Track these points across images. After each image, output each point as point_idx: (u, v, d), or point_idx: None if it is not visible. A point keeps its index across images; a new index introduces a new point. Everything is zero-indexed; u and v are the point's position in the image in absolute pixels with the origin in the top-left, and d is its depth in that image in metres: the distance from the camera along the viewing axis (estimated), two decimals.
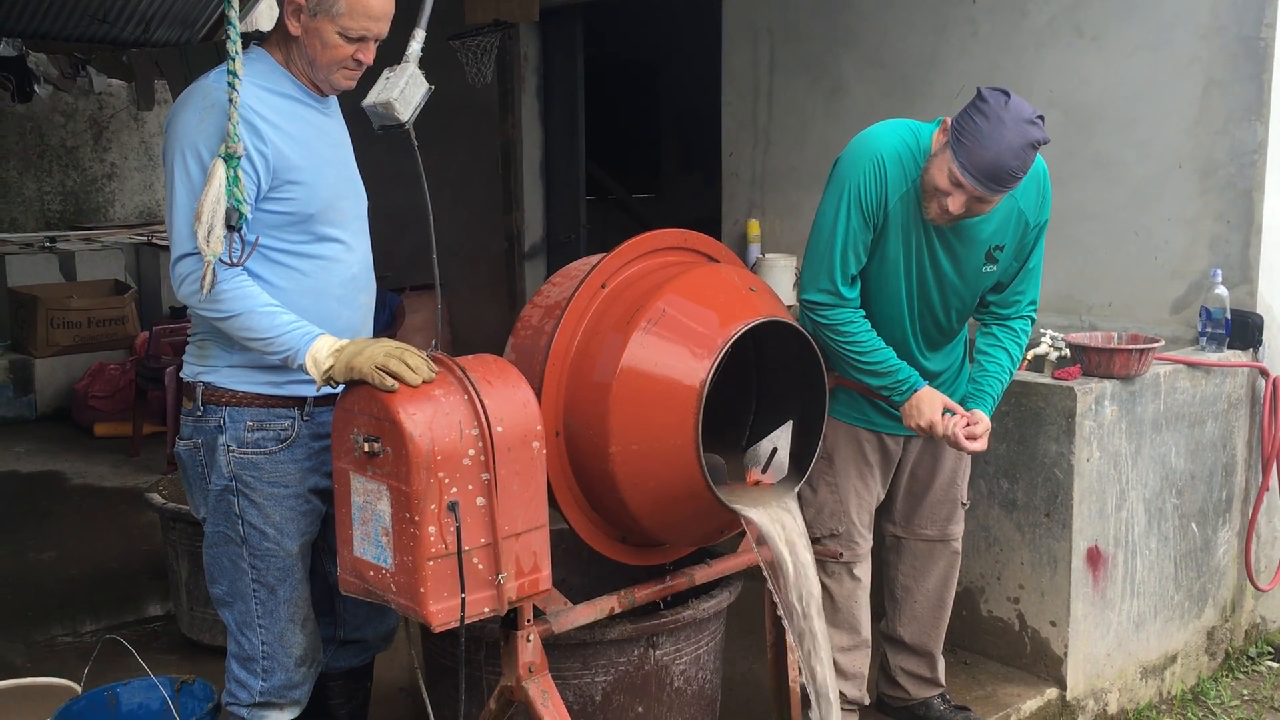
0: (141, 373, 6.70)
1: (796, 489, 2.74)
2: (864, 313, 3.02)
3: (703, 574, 2.93)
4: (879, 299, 3.03)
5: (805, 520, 3.22)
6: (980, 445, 3.00)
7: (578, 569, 3.41)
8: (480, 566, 2.31)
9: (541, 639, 2.59)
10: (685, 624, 2.93)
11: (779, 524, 2.64)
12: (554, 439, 2.56)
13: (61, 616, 4.44)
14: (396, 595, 2.30)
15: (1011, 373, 3.16)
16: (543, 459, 2.38)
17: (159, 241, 9.10)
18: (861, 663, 3.32)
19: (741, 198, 5.72)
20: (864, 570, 3.27)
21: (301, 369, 2.34)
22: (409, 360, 2.26)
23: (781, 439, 2.72)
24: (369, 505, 2.30)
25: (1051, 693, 3.68)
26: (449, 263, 7.93)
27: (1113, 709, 3.87)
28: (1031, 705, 3.63)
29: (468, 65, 6.60)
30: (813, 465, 2.79)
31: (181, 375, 2.52)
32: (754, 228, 5.57)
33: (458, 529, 2.24)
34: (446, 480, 2.24)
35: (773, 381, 2.93)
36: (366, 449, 2.26)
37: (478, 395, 2.29)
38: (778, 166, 5.54)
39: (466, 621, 2.29)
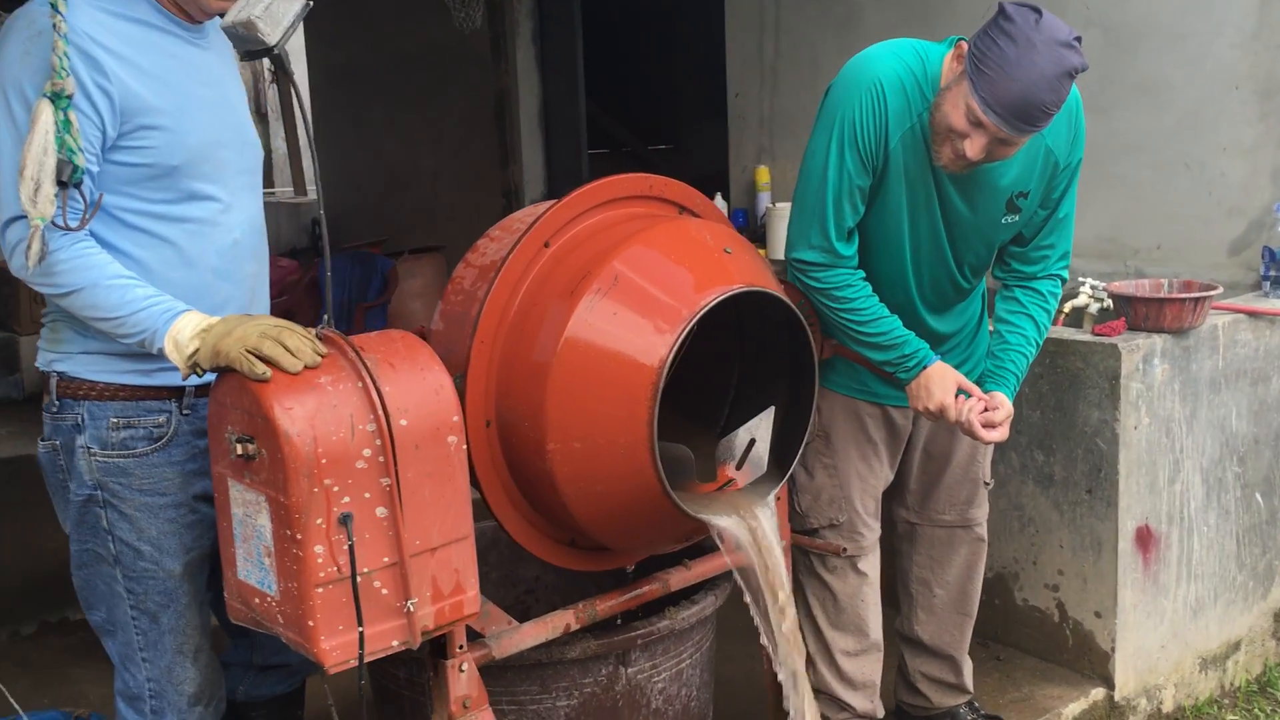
0: None
1: (775, 490, 2.29)
2: (864, 274, 2.56)
3: (679, 578, 2.50)
4: (880, 256, 2.58)
5: (800, 509, 2.78)
6: (999, 435, 2.55)
7: (552, 565, 3.00)
8: (384, 591, 1.89)
9: (481, 665, 2.18)
10: (662, 636, 2.50)
11: (750, 529, 2.20)
12: (483, 430, 2.13)
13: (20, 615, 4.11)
14: (284, 628, 1.89)
15: (1038, 344, 2.68)
16: (463, 456, 1.96)
17: None
18: (871, 669, 2.89)
19: (749, 143, 5.25)
20: (871, 564, 2.83)
21: (162, 354, 1.93)
22: (287, 341, 1.84)
23: (761, 429, 2.28)
24: (249, 519, 1.89)
25: (1097, 693, 3.24)
26: (448, 223, 7.58)
27: (1168, 707, 3.42)
28: (1075, 709, 3.18)
29: (455, 9, 6.14)
30: (800, 452, 2.34)
31: (36, 364, 2.11)
32: (763, 175, 5.10)
33: (350, 547, 1.82)
34: (335, 488, 1.82)
35: (757, 357, 2.49)
36: (240, 451, 1.84)
37: (374, 382, 1.87)
38: (787, 107, 5.05)
39: (369, 658, 1.88)
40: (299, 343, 1.84)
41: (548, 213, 2.15)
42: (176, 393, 2.10)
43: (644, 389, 2.01)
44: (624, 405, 2.02)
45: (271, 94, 11.47)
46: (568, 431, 2.05)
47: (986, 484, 2.93)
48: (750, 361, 2.50)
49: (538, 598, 3.14)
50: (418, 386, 1.92)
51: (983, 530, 2.96)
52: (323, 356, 1.87)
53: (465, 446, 1.96)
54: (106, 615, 2.15)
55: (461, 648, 2.13)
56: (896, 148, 2.44)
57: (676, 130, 9.83)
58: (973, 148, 2.32)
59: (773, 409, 2.29)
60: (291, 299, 6.90)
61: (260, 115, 11.89)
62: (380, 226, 7.67)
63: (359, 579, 1.85)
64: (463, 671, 2.13)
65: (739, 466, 2.29)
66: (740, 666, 3.27)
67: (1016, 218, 2.54)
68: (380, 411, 1.85)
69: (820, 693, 2.84)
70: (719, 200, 5.05)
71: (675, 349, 2.02)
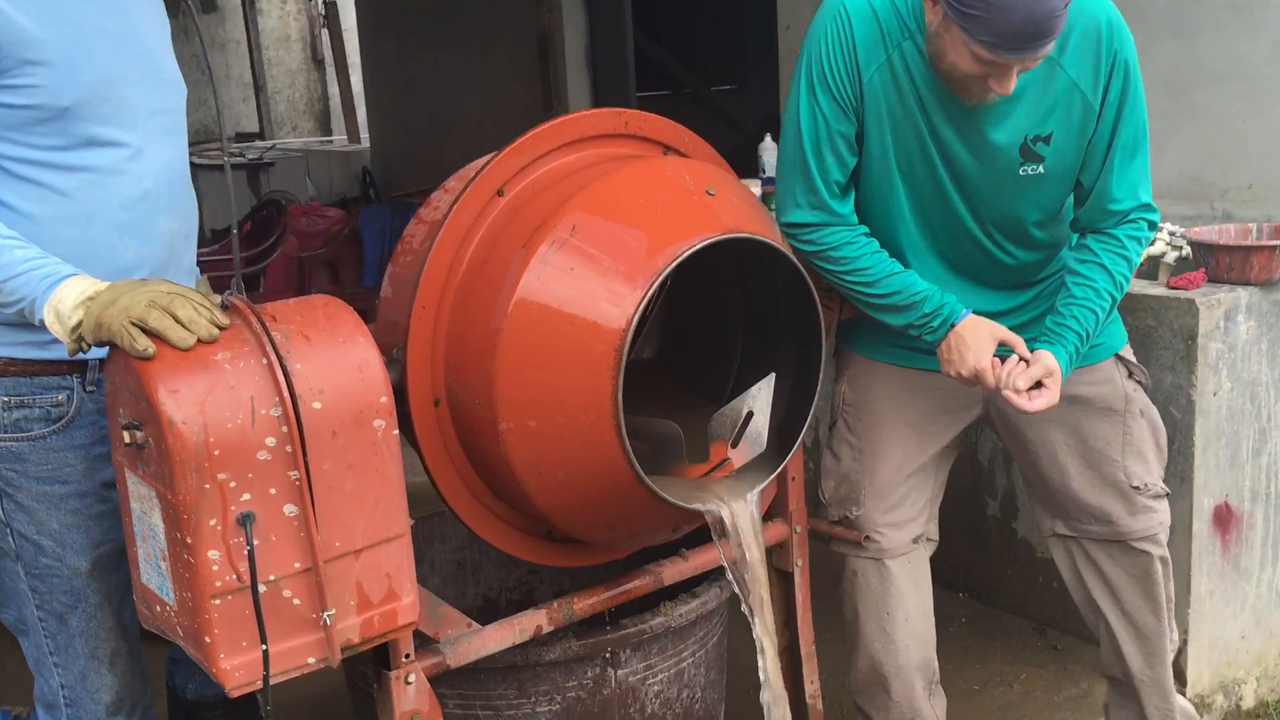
0: None
1: (773, 475, 1.98)
2: (866, 230, 2.21)
3: (674, 571, 2.21)
4: (880, 220, 2.22)
5: (824, 497, 2.46)
6: (1044, 402, 2.13)
7: None
8: (296, 602, 1.63)
9: (433, 676, 1.92)
10: (656, 635, 2.23)
11: (740, 515, 1.90)
12: (431, 410, 1.85)
13: None
14: (185, 641, 1.64)
15: (1113, 298, 2.22)
16: (394, 443, 1.68)
17: None
18: (876, 701, 2.50)
19: None
20: (904, 568, 2.41)
21: (44, 325, 1.67)
22: (178, 311, 1.57)
23: (760, 400, 1.97)
24: (145, 516, 1.64)
25: None
26: None
27: (1248, 703, 3.06)
28: None
29: None
30: (828, 429, 2.03)
31: None
32: None
33: (250, 553, 1.56)
34: (232, 484, 1.56)
35: (765, 319, 2.17)
36: (128, 439, 1.59)
37: (279, 358, 1.59)
38: None
39: (277, 679, 1.63)
40: (192, 313, 1.57)
41: (499, 156, 1.85)
42: (78, 367, 1.85)
43: (606, 357, 1.71)
44: (584, 377, 1.72)
45: (325, 39, 11.28)
46: (522, 409, 1.76)
47: (1138, 487, 2.39)
48: (757, 324, 2.19)
49: (541, 579, 2.88)
50: (337, 363, 1.64)
51: (1155, 544, 2.42)
52: (222, 329, 1.60)
53: (397, 432, 1.68)
54: (17, 614, 1.93)
55: (408, 657, 1.87)
56: (873, 83, 2.09)
57: (740, 69, 9.41)
58: (1001, 84, 1.97)
59: (773, 376, 1.97)
60: (333, 250, 6.70)
61: (317, 62, 11.72)
62: (428, 173, 7.42)
63: (264, 588, 1.59)
64: (409, 684, 1.87)
65: (734, 444, 1.98)
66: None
67: (1040, 167, 2.14)
68: (286, 393, 1.58)
69: None
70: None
71: (642, 309, 1.72)
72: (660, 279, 1.72)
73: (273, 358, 1.59)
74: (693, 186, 1.84)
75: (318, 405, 1.61)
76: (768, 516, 2.41)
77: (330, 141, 10.53)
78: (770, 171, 4.01)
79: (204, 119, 10.58)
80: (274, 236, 6.32)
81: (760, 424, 1.94)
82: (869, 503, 2.38)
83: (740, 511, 1.89)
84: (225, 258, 5.51)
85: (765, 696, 2.09)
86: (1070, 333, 2.19)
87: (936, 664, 2.49)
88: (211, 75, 1.74)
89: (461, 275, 1.83)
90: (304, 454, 1.58)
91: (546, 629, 2.04)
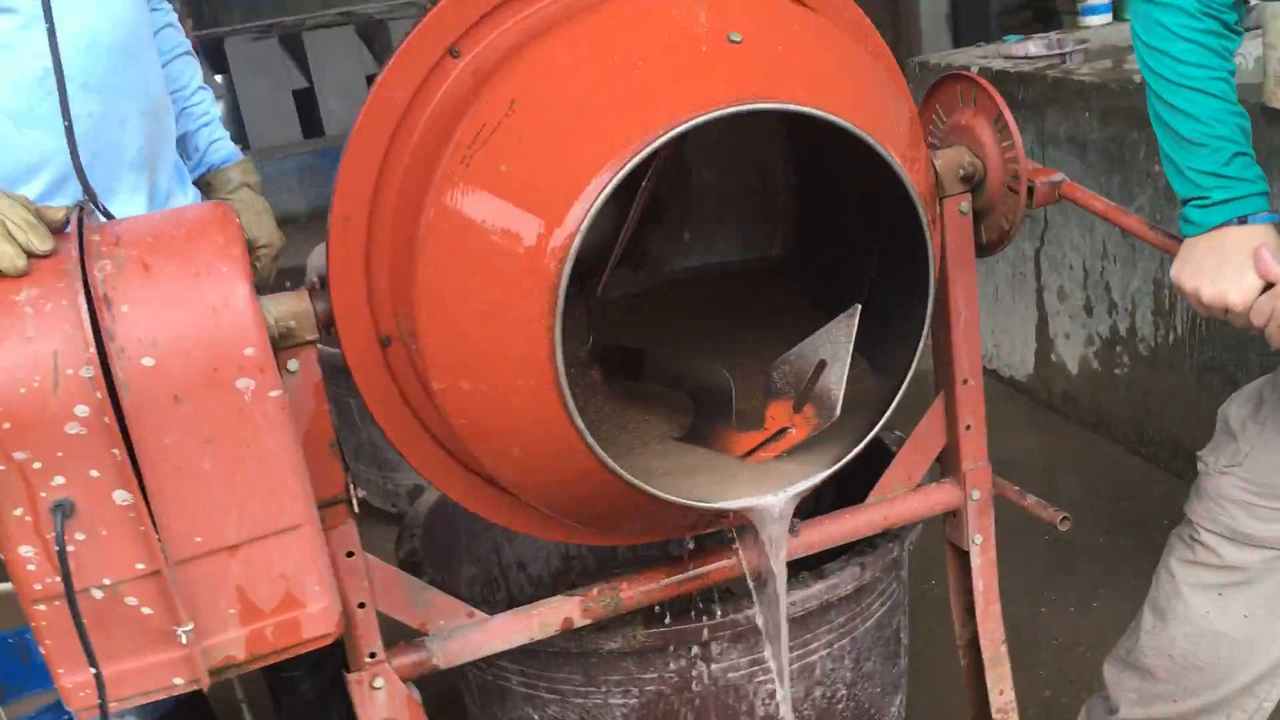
0: None
1: (847, 457, 1.35)
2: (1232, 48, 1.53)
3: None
4: None
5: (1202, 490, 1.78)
6: None
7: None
8: (146, 611, 1.26)
9: (421, 679, 1.52)
10: (753, 627, 1.70)
11: (766, 518, 1.30)
12: (375, 351, 1.39)
13: None
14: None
15: None
16: (276, 408, 1.24)
17: None
18: None
19: None
20: (1259, 594, 1.76)
21: None
22: None
23: (835, 344, 1.33)
24: None
25: None
26: None
27: None
28: None
29: None
30: (899, 393, 1.37)
31: None
32: None
33: (61, 551, 1.20)
34: (36, 464, 1.19)
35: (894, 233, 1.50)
36: None
37: (90, 300, 1.18)
38: None
39: (123, 705, 1.28)
40: None
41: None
42: None
43: (537, 299, 1.16)
44: (515, 326, 1.19)
45: None
46: (452, 366, 1.26)
47: None
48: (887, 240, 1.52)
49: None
50: (181, 302, 1.21)
51: None
52: (41, 256, 1.22)
53: (279, 394, 1.24)
54: None
55: (373, 656, 1.48)
56: None
57: None
58: None
59: (856, 309, 1.33)
60: None
61: None
62: None
63: (100, 594, 1.23)
64: (376, 689, 1.48)
65: (799, 406, 1.37)
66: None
67: None
68: (95, 348, 1.17)
69: None
70: None
71: (589, 221, 1.14)
72: (617, 179, 1.13)
73: (83, 298, 1.18)
74: (706, 30, 1.21)
75: (149, 361, 1.20)
76: (938, 475, 1.78)
77: None
78: None
79: None
80: None
81: (834, 379, 1.32)
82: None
83: (768, 512, 1.30)
84: None
85: None
86: None
87: None
88: None
89: (404, 171, 1.33)
90: (122, 426, 1.19)
91: (579, 622, 1.57)
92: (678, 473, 1.34)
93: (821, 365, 1.33)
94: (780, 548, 1.35)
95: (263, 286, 2.16)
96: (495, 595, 2.35)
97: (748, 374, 1.50)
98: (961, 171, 1.58)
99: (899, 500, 1.73)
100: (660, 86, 1.17)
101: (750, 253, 1.80)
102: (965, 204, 1.60)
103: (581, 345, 1.62)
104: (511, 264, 1.17)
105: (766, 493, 1.29)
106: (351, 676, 1.48)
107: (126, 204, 1.64)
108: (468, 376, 1.25)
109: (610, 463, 1.22)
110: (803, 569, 1.77)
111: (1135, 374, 3.26)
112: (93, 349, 1.17)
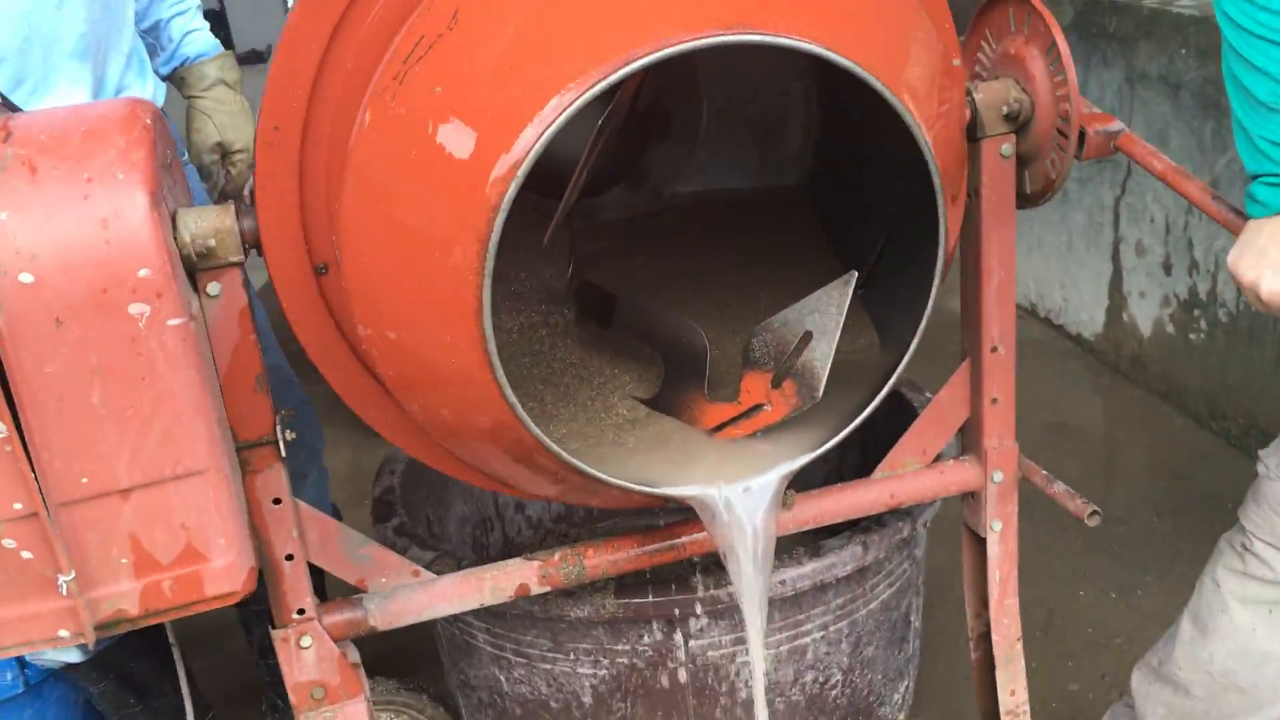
0: None
1: (827, 445, 1.16)
2: None
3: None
4: None
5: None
6: None
7: None
8: (27, 555, 1.13)
9: (360, 639, 1.39)
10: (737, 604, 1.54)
11: (734, 511, 1.12)
12: (307, 279, 1.23)
13: None
14: None
15: None
16: (174, 340, 1.09)
17: None
18: None
19: None
20: None
21: None
22: None
23: (826, 313, 1.14)
24: None
25: None
26: None
27: None
28: None
29: None
30: (900, 366, 1.17)
31: None
32: None
33: None
34: None
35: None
36: None
37: None
38: None
39: (18, 651, 1.16)
40: None
41: None
42: None
43: (467, 246, 0.99)
44: (437, 274, 1.02)
45: None
46: (376, 311, 1.10)
47: None
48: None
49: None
50: (67, 212, 1.06)
51: None
52: None
53: (180, 322, 1.09)
54: None
55: (301, 613, 1.35)
56: None
57: None
58: None
59: (852, 276, 1.14)
60: None
61: None
62: None
63: None
64: (303, 648, 1.35)
65: (777, 381, 1.18)
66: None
67: None
68: None
69: None
70: None
71: (530, 160, 0.96)
72: (563, 117, 0.95)
73: None
74: None
75: (27, 278, 1.05)
76: (957, 452, 1.59)
77: None
78: None
79: None
80: None
81: (820, 355, 1.13)
82: None
83: (735, 505, 1.12)
84: None
85: None
86: None
87: None
88: None
89: (345, 76, 1.15)
90: (6, 351, 1.05)
91: (537, 589, 1.42)
92: (636, 444, 1.17)
93: (807, 337, 1.14)
94: (743, 538, 1.17)
95: (236, 197, 2.01)
96: (489, 537, 2.22)
97: (735, 326, 1.32)
98: (1006, 109, 1.36)
99: (909, 477, 1.54)
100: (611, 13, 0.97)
101: (763, 179, 1.61)
102: (1007, 146, 1.38)
103: (560, 275, 1.45)
104: (443, 194, 1.00)
105: (721, 481, 1.12)
106: (277, 633, 1.35)
107: (65, 96, 1.49)
108: (392, 325, 1.09)
109: (547, 441, 1.05)
110: (798, 544, 1.60)
111: (1212, 342, 3.00)
112: None
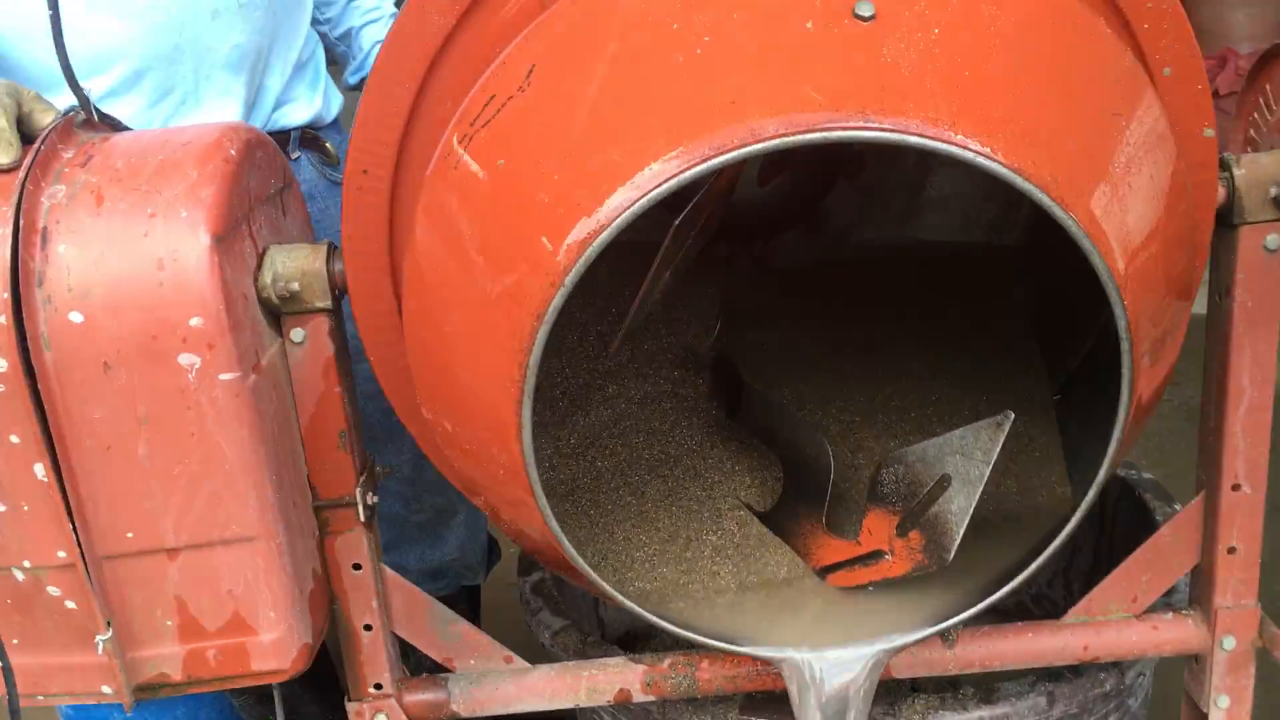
0: None
1: (951, 622, 0.91)
2: None
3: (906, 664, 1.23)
4: None
5: None
6: None
7: None
8: (70, 605, 1.06)
9: None
10: None
11: (815, 679, 0.90)
12: (391, 316, 1.10)
13: None
14: None
15: None
16: (226, 397, 0.99)
17: None
18: None
19: None
20: None
21: None
22: None
23: (974, 457, 0.90)
24: None
25: None
26: None
27: None
28: None
29: None
30: (1064, 532, 0.91)
31: None
32: None
33: None
34: None
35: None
36: None
37: (18, 230, 0.97)
38: None
39: (58, 701, 1.10)
40: None
41: None
42: None
43: (509, 365, 0.82)
44: (489, 386, 0.86)
45: None
46: (436, 398, 0.96)
47: None
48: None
49: None
50: (126, 249, 0.98)
51: None
52: (3, 170, 1.02)
53: (233, 376, 0.98)
54: None
55: (379, 688, 1.23)
56: None
57: None
58: None
59: (1009, 417, 0.89)
60: None
61: None
62: None
63: (21, 575, 1.05)
64: None
65: (903, 529, 0.94)
66: None
67: None
68: (11, 292, 0.96)
69: None
70: None
71: (634, 211, 0.78)
72: (635, 209, 0.77)
73: (10, 229, 0.97)
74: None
75: (77, 317, 0.97)
76: (1176, 607, 1.30)
77: None
78: None
79: None
80: None
81: (957, 509, 0.89)
82: None
83: (818, 673, 0.90)
84: None
85: None
86: None
87: None
88: None
89: (437, 121, 1.01)
90: (34, 386, 0.98)
91: (639, 697, 1.25)
92: (730, 579, 0.97)
93: (945, 482, 0.90)
94: (856, 700, 0.95)
95: None
96: None
97: (888, 430, 1.09)
98: (1276, 191, 1.07)
99: (1112, 626, 1.25)
100: (753, 75, 0.77)
101: (972, 235, 1.36)
102: (1274, 237, 1.09)
103: (705, 336, 1.26)
104: (491, 309, 0.84)
105: (813, 646, 0.90)
106: (351, 706, 1.24)
107: (215, 108, 1.44)
108: (450, 418, 0.94)
109: (600, 582, 0.88)
110: (966, 680, 1.35)
111: None
112: (6, 294, 0.96)
